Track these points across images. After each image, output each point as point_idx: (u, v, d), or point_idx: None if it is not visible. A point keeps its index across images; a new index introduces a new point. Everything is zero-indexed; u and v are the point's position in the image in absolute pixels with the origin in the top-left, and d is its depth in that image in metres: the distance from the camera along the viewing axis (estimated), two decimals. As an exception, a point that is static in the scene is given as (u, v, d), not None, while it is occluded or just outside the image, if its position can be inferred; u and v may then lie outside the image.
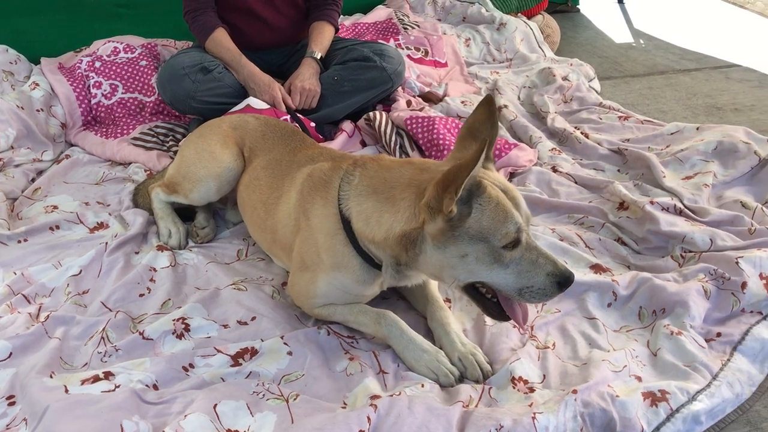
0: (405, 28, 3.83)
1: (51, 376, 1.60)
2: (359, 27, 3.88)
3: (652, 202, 2.23)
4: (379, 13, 4.04)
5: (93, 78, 3.05)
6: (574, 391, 1.51)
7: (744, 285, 1.84)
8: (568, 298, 1.93)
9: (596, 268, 2.07)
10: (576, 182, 2.54)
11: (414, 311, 1.91)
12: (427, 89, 3.27)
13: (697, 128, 2.77)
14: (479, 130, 1.63)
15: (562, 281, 1.51)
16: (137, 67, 3.11)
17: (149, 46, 3.30)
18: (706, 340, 1.76)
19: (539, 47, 3.90)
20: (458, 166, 1.41)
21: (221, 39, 2.81)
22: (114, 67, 3.09)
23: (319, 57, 2.91)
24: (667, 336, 1.73)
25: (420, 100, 3.12)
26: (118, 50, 3.18)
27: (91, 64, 3.10)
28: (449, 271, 1.55)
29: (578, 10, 5.27)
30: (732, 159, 2.51)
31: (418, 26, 3.90)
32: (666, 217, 2.17)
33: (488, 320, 1.81)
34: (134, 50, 3.19)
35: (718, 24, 4.97)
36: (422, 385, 1.57)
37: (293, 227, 1.83)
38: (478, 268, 1.51)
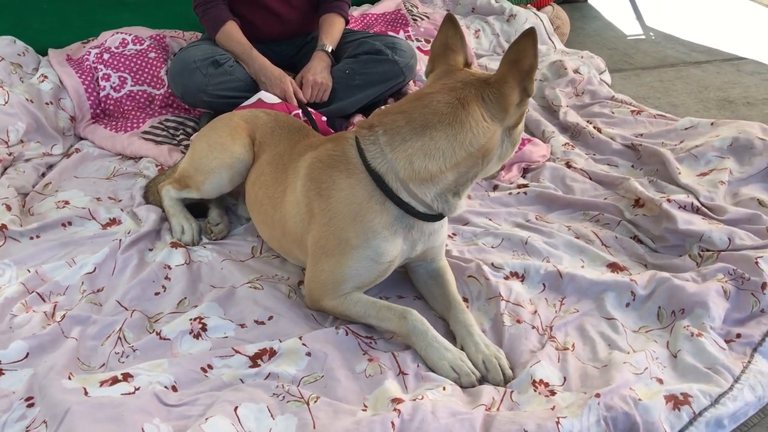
0: (414, 20, 3.80)
1: (69, 378, 1.58)
2: (367, 18, 3.85)
3: (668, 200, 2.21)
4: (388, 4, 4.00)
5: (102, 70, 3.02)
6: (597, 395, 1.49)
7: (764, 285, 1.83)
8: (587, 298, 1.92)
9: (613, 266, 2.06)
10: (590, 178, 2.53)
11: (431, 311, 1.89)
12: (437, 82, 3.24)
13: (712, 123, 2.75)
14: (453, 44, 1.77)
15: None
16: (146, 59, 3.08)
17: (158, 37, 3.27)
18: (726, 341, 1.75)
19: (549, 39, 3.87)
20: (528, 56, 1.60)
21: (232, 32, 2.78)
22: (123, 59, 3.06)
23: (330, 50, 2.89)
24: (687, 337, 1.72)
25: (431, 93, 3.09)
26: (126, 42, 3.15)
27: (99, 56, 3.07)
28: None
29: (586, 0, 5.24)
30: (748, 155, 2.49)
31: (428, 17, 3.86)
32: (683, 216, 2.15)
33: (506, 321, 1.79)
34: (143, 42, 3.16)
35: (726, 16, 4.93)
36: (444, 388, 1.56)
37: (304, 216, 1.82)
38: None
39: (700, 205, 2.22)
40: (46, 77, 2.95)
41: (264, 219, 2.04)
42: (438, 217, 1.74)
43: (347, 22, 3.06)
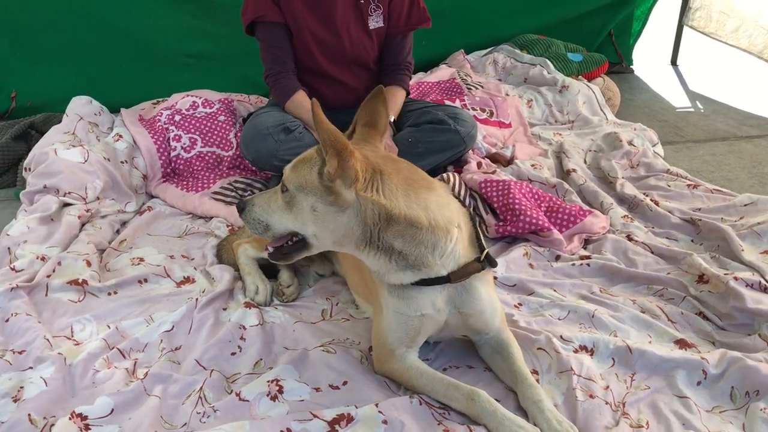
0: (469, 89, 3.90)
1: (155, 436, 1.63)
2: (423, 86, 3.96)
3: (735, 278, 2.22)
4: (442, 73, 4.13)
5: (173, 131, 3.15)
6: (680, 477, 1.49)
7: (840, 369, 1.82)
8: (657, 375, 1.92)
9: (681, 343, 2.06)
10: (652, 252, 2.54)
11: (499, 383, 1.90)
12: (493, 150, 3.32)
13: (772, 201, 2.76)
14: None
15: None
16: (216, 122, 3.21)
17: (226, 101, 3.41)
18: (804, 426, 1.74)
19: (601, 110, 3.94)
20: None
21: (301, 101, 2.90)
22: (193, 121, 3.19)
23: (392, 119, 2.98)
24: (765, 421, 1.71)
25: (489, 161, 3.17)
26: (196, 104, 3.29)
27: (171, 117, 3.21)
28: None
29: (632, 71, 5.32)
30: (812, 235, 2.49)
31: (482, 87, 3.97)
32: (751, 294, 2.16)
33: (579, 396, 1.80)
34: (212, 105, 3.30)
35: (774, 88, 4.96)
36: (522, 463, 1.57)
37: None
38: None
39: (767, 284, 2.23)
40: (120, 136, 3.09)
41: (350, 266, 2.15)
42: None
43: (408, 94, 3.17)
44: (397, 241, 1.68)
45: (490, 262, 1.83)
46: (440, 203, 1.73)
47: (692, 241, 2.67)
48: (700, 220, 2.70)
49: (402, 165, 1.77)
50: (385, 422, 1.70)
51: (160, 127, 3.18)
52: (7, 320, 2.06)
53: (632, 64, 5.37)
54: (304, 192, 1.69)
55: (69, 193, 2.70)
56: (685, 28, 5.59)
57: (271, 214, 1.78)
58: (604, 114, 3.92)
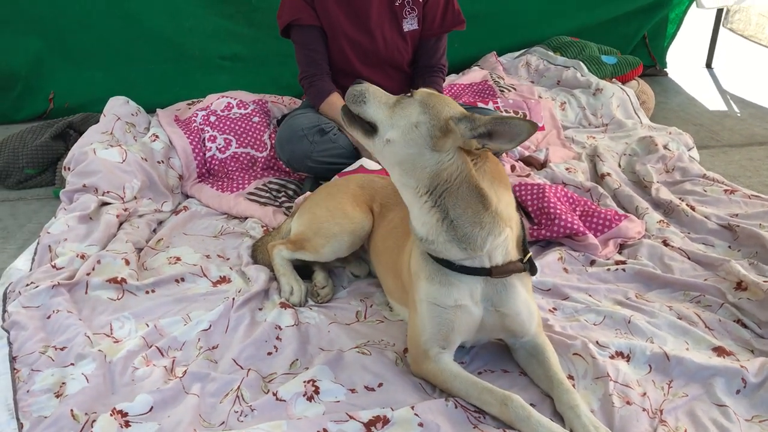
0: (501, 91, 3.90)
1: (194, 434, 1.65)
2: (455, 88, 3.96)
3: (775, 286, 2.19)
4: (474, 75, 4.12)
5: (208, 132, 3.19)
6: (720, 487, 1.48)
7: None
8: (695, 382, 1.90)
9: (719, 350, 2.03)
10: (689, 258, 2.51)
11: (535, 387, 1.90)
12: (526, 153, 3.31)
13: (813, 207, 2.72)
14: None
15: None
16: (250, 123, 3.25)
17: (260, 102, 3.44)
18: None
19: (635, 113, 3.91)
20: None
21: (336, 103, 2.92)
22: (228, 122, 3.23)
23: (426, 121, 2.98)
24: (807, 431, 1.69)
25: (523, 165, 3.15)
26: (231, 105, 3.33)
27: (206, 118, 3.25)
28: None
29: (666, 74, 5.27)
30: None
31: (515, 89, 3.96)
32: (792, 303, 2.13)
33: (616, 402, 1.79)
34: (247, 106, 3.33)
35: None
36: (560, 468, 1.56)
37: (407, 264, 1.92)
38: None
39: (808, 293, 2.19)
40: (157, 137, 3.14)
41: (388, 265, 2.15)
42: (457, 267, 1.77)
43: (442, 95, 3.17)
44: (456, 209, 1.70)
45: (531, 268, 1.84)
46: (509, 202, 1.77)
47: (729, 247, 2.63)
48: (738, 226, 2.67)
49: (500, 164, 1.81)
50: (420, 425, 1.70)
51: (196, 128, 3.22)
52: (49, 317, 2.11)
53: (666, 67, 5.32)
54: (424, 110, 1.69)
55: (107, 192, 2.75)
56: (721, 31, 5.51)
57: (376, 99, 1.78)
58: (639, 117, 3.89)
